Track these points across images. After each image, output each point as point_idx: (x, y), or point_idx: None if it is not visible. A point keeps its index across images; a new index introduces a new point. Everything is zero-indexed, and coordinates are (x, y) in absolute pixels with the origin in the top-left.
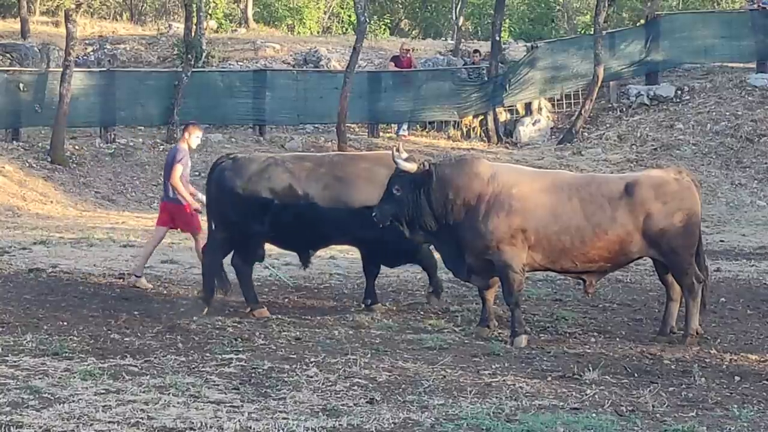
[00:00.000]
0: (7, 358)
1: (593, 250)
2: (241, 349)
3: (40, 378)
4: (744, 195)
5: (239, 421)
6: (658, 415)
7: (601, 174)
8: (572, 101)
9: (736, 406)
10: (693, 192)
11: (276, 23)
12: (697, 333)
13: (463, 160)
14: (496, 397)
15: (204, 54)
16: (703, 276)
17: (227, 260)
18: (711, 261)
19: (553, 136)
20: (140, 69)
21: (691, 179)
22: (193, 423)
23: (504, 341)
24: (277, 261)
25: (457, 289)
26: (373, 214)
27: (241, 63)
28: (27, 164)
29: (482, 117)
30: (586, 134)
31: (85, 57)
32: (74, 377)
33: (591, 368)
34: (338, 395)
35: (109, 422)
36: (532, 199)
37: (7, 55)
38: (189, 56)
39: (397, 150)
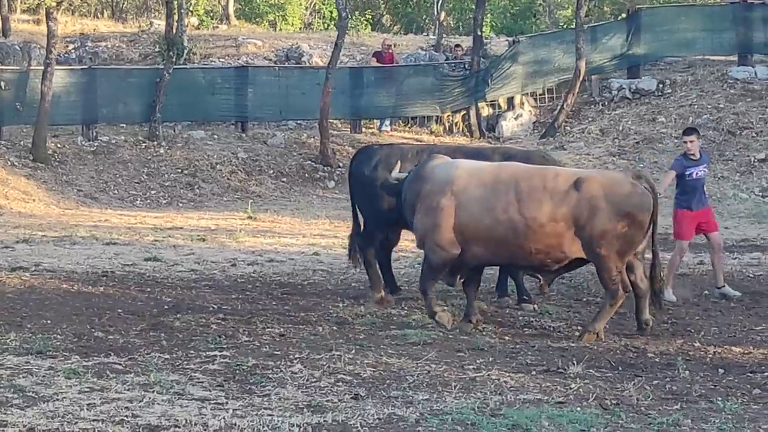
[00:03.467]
0: None
1: (528, 245)
2: (225, 346)
3: (24, 377)
4: (726, 188)
5: (224, 418)
6: (642, 408)
7: (555, 168)
8: (554, 95)
9: (720, 398)
10: (645, 200)
11: (257, 19)
12: (597, 334)
13: (424, 160)
14: (481, 392)
15: (185, 51)
16: (658, 277)
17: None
18: (694, 254)
19: (536, 131)
20: (122, 66)
21: (648, 187)
22: (177, 420)
23: (488, 336)
24: (260, 258)
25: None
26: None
27: (222, 60)
28: (9, 163)
29: (464, 112)
30: (568, 128)
31: (66, 55)
32: (58, 376)
33: (575, 362)
34: (323, 391)
35: (94, 420)
36: (466, 194)
37: None
38: (170, 53)
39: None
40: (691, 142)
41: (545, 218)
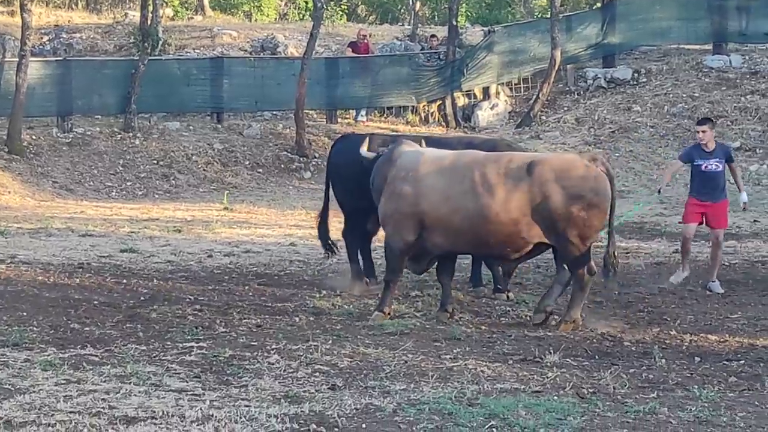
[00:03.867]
0: None
1: (485, 233)
2: (201, 337)
3: (0, 369)
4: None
5: (201, 409)
6: (619, 396)
7: (511, 153)
8: (530, 85)
9: (696, 386)
10: (601, 182)
11: (232, 10)
12: (574, 322)
13: (392, 145)
14: (458, 382)
15: (160, 42)
16: (613, 264)
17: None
18: (670, 243)
19: (511, 120)
20: (97, 58)
21: (605, 169)
22: (154, 412)
23: (465, 325)
24: (237, 249)
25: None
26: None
27: (198, 51)
28: None
29: (440, 102)
30: (543, 118)
31: (41, 46)
32: (35, 368)
33: (552, 351)
34: (300, 382)
35: (71, 412)
36: (425, 182)
37: None
38: (145, 44)
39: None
40: (703, 132)
41: (499, 206)
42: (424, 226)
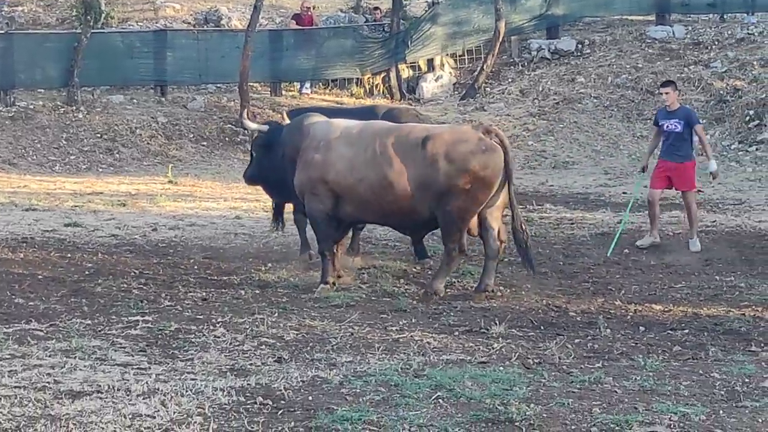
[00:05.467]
0: None
1: (386, 204)
2: (147, 311)
3: None
4: (645, 147)
5: (147, 383)
6: (564, 366)
7: (411, 126)
8: (474, 57)
9: (641, 356)
10: (492, 156)
11: None
12: (436, 293)
13: (298, 117)
14: (404, 353)
15: (103, 15)
16: (523, 237)
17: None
18: (614, 213)
19: (456, 92)
20: (39, 31)
21: (498, 141)
22: (100, 386)
23: (411, 297)
24: (181, 222)
25: (363, 246)
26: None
27: (140, 23)
28: None
29: (385, 74)
30: (488, 89)
31: None
32: None
33: (498, 322)
34: (246, 355)
35: (16, 387)
36: (333, 151)
37: None
38: (88, 17)
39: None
40: (666, 93)
41: (396, 177)
42: (335, 195)
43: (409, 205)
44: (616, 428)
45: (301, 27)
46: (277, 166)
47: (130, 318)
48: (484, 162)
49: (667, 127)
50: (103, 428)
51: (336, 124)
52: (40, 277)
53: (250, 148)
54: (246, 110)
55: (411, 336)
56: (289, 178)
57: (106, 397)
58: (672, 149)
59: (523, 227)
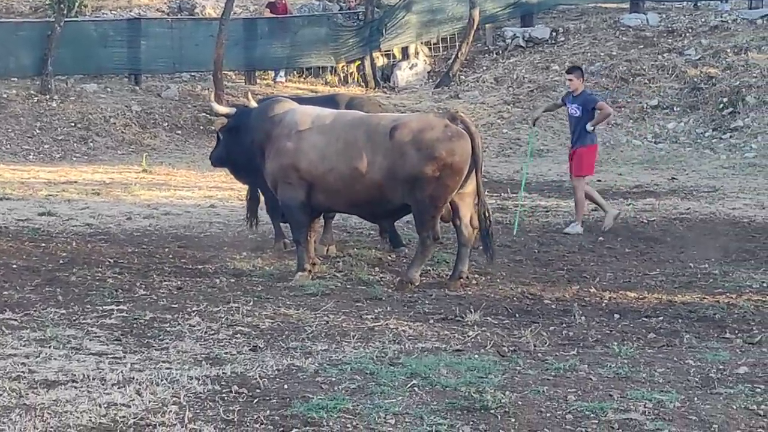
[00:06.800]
0: None
1: (355, 194)
2: (121, 300)
3: None
4: (620, 135)
5: (122, 372)
6: (539, 354)
7: (381, 116)
8: (449, 45)
9: (616, 343)
10: (459, 142)
11: None
12: (411, 283)
13: (266, 103)
14: (379, 341)
15: (76, 3)
16: (486, 225)
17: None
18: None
19: (431, 80)
20: (12, 20)
21: (465, 127)
22: (75, 375)
23: (386, 285)
24: (156, 211)
25: (338, 235)
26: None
27: (114, 12)
28: None
29: (359, 62)
30: (463, 77)
31: None
32: None
33: (473, 310)
34: (221, 343)
35: None
36: (306, 140)
37: None
38: (61, 6)
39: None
40: (569, 80)
41: (365, 167)
42: (307, 183)
43: (379, 195)
44: (591, 415)
45: (275, 15)
46: (244, 150)
47: (104, 307)
48: (451, 149)
49: (569, 111)
50: (78, 417)
51: (308, 112)
52: (14, 266)
53: (216, 130)
54: (213, 94)
55: (386, 324)
56: (257, 163)
57: (81, 387)
58: (573, 135)
59: (487, 215)
